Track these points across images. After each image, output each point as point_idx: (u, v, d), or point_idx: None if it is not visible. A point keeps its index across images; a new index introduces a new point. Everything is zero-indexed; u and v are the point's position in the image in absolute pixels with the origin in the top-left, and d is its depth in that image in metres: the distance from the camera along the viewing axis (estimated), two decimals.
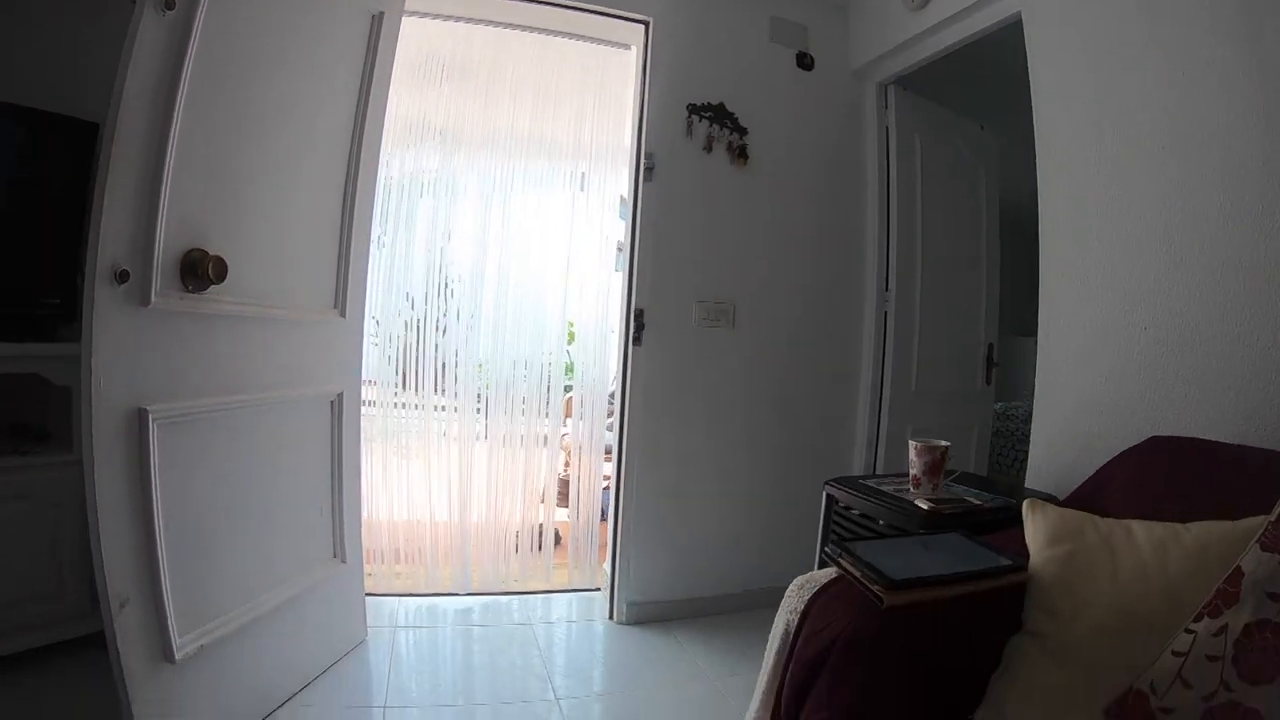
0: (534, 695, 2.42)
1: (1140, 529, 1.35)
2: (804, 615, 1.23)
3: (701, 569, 3.11)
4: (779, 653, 1.27)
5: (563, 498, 3.74)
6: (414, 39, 3.01)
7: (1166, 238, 1.86)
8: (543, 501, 3.56)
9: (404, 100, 3.11)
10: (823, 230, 3.28)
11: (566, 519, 3.63)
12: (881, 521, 1.83)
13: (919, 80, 3.30)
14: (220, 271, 1.79)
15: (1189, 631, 1.16)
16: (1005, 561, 1.33)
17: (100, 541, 1.59)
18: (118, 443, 1.62)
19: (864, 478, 2.14)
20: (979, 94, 3.56)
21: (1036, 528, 1.41)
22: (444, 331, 3.49)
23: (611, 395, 3.45)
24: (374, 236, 2.62)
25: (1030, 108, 2.29)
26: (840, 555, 1.29)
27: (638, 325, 2.94)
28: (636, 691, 2.54)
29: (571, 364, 3.66)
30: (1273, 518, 1.18)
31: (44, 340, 2.33)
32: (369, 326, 2.87)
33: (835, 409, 3.30)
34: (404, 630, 2.82)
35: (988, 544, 1.42)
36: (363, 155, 2.37)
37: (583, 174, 3.49)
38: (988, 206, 3.52)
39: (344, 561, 2.46)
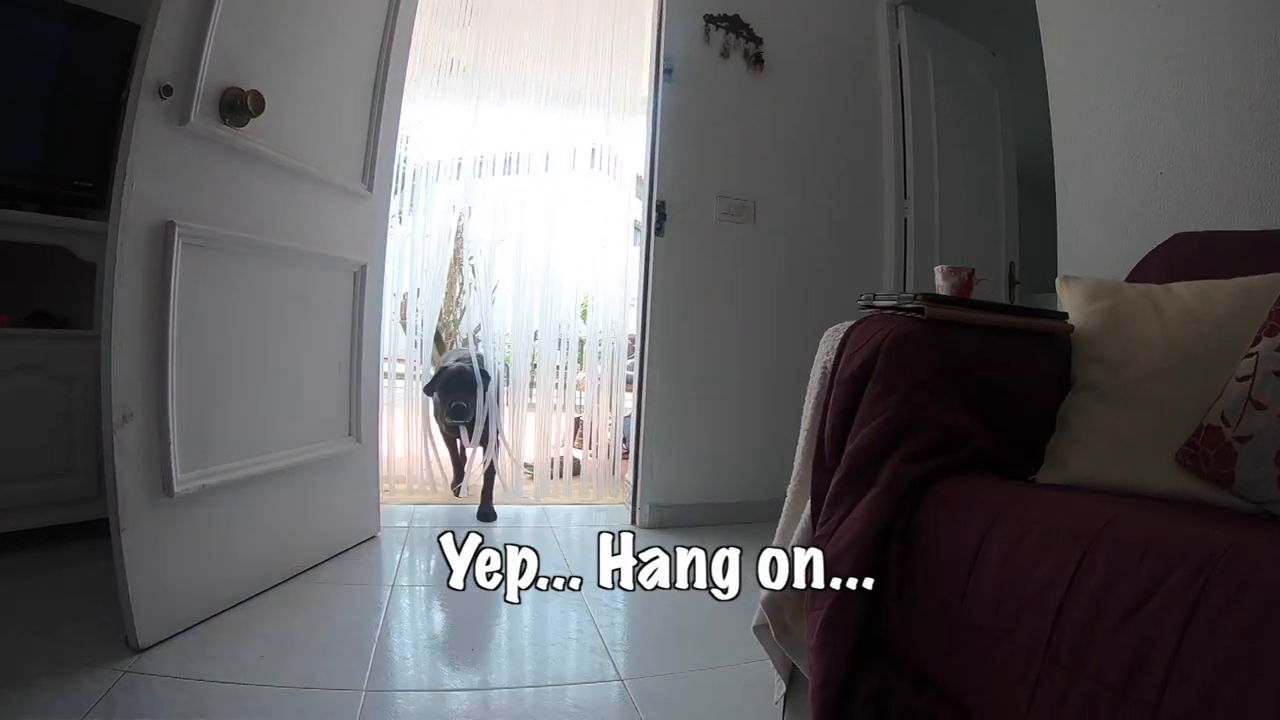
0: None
1: (1178, 285, 1.31)
2: (842, 345, 1.18)
3: (724, 473, 3.05)
4: (818, 397, 1.22)
5: (580, 438, 3.72)
6: None
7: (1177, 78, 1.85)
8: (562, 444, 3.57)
9: (429, 41, 3.17)
10: (839, 138, 3.28)
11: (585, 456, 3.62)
12: None
13: (929, 2, 3.31)
14: (258, 104, 1.78)
15: (1249, 356, 1.10)
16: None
17: (111, 346, 1.54)
18: (141, 250, 1.58)
19: None
20: (988, 20, 3.57)
21: (1072, 293, 1.37)
22: (463, 310, 3.60)
23: (631, 338, 3.43)
24: (393, 211, 2.66)
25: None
26: (873, 298, 1.26)
27: (659, 216, 2.93)
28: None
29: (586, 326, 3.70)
30: None
31: (75, 217, 2.34)
32: (388, 301, 2.86)
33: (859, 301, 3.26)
34: (417, 529, 2.77)
35: None
36: (396, 35, 2.38)
37: (597, 146, 3.51)
38: (1002, 128, 3.49)
39: (359, 441, 2.41)
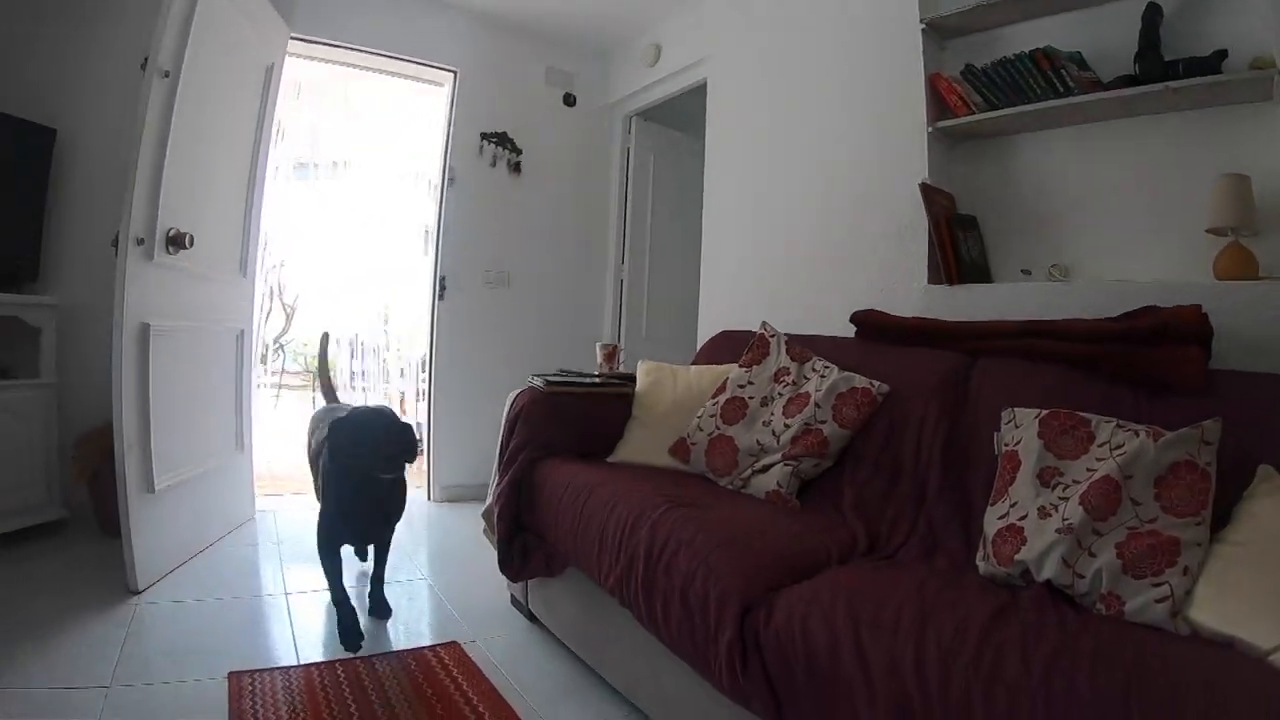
0: None
1: (693, 369, 3.23)
2: (513, 404, 3.03)
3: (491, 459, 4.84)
4: (504, 423, 3.05)
5: None
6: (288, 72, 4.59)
7: (757, 219, 3.88)
8: None
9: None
10: (576, 221, 5.28)
11: None
12: None
13: (662, 113, 5.25)
14: (191, 241, 3.30)
15: (703, 408, 3.00)
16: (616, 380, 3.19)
17: (122, 406, 3.01)
18: (132, 343, 3.08)
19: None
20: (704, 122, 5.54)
21: (641, 370, 3.26)
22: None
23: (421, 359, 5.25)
24: None
25: None
26: (533, 377, 3.11)
27: (442, 287, 4.75)
28: (449, 533, 4.34)
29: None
30: (745, 353, 3.04)
31: (19, 293, 3.71)
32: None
33: (586, 343, 5.15)
34: (279, 513, 4.43)
35: None
36: (258, 162, 3.97)
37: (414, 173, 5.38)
38: None
39: (242, 450, 4.04)
